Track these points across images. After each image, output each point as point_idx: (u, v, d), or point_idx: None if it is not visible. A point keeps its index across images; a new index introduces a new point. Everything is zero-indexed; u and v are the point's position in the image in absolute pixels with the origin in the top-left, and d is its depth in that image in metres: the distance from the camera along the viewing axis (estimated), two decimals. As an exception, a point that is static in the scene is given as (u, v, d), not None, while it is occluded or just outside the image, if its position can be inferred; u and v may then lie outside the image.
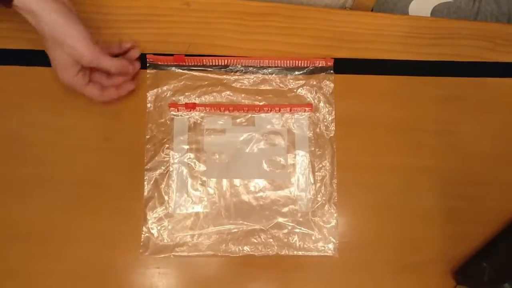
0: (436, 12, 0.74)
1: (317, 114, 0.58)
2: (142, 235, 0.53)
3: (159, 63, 0.57)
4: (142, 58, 0.56)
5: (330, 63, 0.58)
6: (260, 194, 0.56)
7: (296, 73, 0.59)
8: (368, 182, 0.57)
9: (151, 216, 0.54)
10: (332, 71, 0.59)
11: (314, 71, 0.59)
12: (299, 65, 0.58)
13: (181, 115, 0.56)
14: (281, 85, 0.58)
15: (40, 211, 0.53)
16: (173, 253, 0.53)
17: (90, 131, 0.55)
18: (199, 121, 0.57)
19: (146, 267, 0.53)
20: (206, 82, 0.57)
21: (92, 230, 0.53)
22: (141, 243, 0.53)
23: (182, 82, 0.57)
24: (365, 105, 0.59)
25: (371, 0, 0.67)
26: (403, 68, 0.60)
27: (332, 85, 0.58)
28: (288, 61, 0.58)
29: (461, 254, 0.56)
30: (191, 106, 0.56)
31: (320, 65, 0.59)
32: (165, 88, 0.57)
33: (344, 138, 0.57)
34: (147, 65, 0.57)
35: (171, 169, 0.55)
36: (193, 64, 0.57)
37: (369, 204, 0.57)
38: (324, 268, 0.55)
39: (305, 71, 0.59)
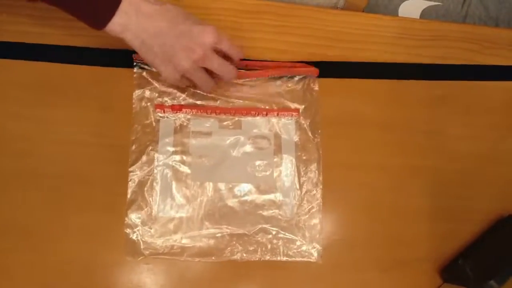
0: (425, 14, 0.75)
1: (304, 119, 0.57)
2: (125, 237, 0.52)
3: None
4: (129, 57, 0.55)
5: (316, 74, 0.58)
6: (245, 198, 0.55)
7: (284, 77, 0.58)
8: (357, 181, 0.57)
9: (134, 219, 0.53)
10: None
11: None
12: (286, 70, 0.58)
13: (167, 117, 0.55)
14: (268, 89, 0.57)
15: (24, 204, 0.51)
16: (155, 256, 0.52)
17: (77, 125, 0.54)
18: (185, 123, 0.55)
19: (135, 263, 0.52)
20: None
21: (77, 225, 0.52)
22: (124, 246, 0.52)
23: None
24: (353, 106, 0.59)
25: (363, 1, 0.67)
26: (392, 70, 0.61)
27: (317, 89, 0.58)
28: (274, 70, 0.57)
29: (448, 252, 0.57)
30: (177, 108, 0.55)
31: (305, 74, 0.58)
32: (151, 88, 0.55)
33: (333, 138, 0.57)
34: (134, 64, 0.55)
35: (155, 171, 0.54)
36: None
37: (357, 203, 0.57)
38: (312, 266, 0.55)
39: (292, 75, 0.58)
